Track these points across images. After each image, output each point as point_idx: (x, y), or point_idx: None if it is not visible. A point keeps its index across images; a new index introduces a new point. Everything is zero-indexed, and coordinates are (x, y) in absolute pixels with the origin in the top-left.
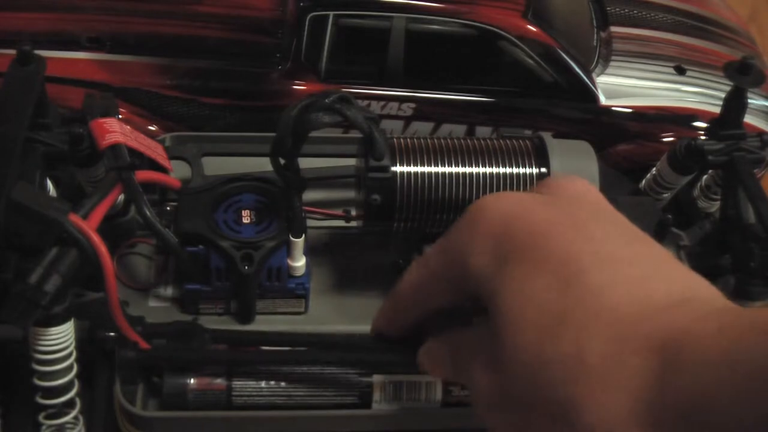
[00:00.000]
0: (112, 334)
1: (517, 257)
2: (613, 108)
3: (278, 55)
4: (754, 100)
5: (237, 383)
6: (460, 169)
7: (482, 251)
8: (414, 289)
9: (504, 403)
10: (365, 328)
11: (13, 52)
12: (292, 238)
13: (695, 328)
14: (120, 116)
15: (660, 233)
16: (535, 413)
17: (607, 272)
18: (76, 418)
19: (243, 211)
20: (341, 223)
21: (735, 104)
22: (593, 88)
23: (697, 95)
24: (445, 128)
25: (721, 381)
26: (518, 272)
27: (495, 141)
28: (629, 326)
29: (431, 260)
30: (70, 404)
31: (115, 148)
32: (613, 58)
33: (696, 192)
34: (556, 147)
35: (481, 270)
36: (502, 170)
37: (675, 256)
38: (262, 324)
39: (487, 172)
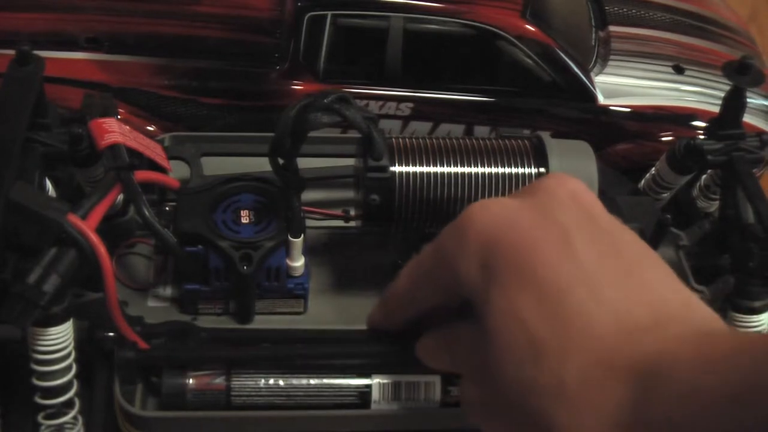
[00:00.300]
0: (111, 334)
1: (504, 273)
2: (612, 107)
3: (276, 55)
4: (754, 100)
5: (236, 383)
6: (459, 169)
7: (470, 262)
8: (409, 287)
9: (491, 410)
10: (364, 327)
11: (12, 52)
12: (290, 238)
13: (672, 351)
14: (119, 116)
15: (659, 233)
16: (518, 426)
17: (589, 295)
18: (75, 418)
19: (242, 211)
20: (340, 223)
21: (734, 104)
22: (592, 87)
23: (696, 94)
24: (444, 128)
25: (697, 404)
26: (504, 290)
27: (494, 141)
28: (607, 351)
29: (424, 262)
30: (69, 404)
31: (114, 148)
32: (612, 57)
33: (695, 192)
34: (555, 147)
35: (470, 280)
36: (501, 170)
37: (673, 256)
38: (261, 324)
39: (486, 172)
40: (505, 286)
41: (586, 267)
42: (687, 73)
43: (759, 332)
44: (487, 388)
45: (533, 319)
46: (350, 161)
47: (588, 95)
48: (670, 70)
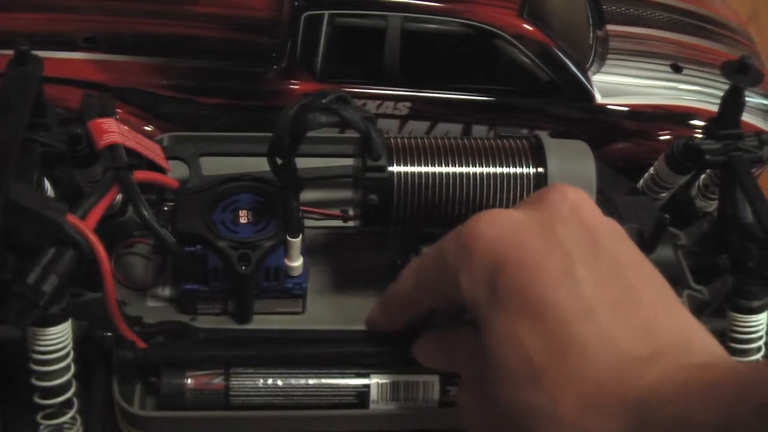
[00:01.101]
0: (109, 334)
1: (507, 297)
2: (610, 106)
3: (274, 54)
4: (752, 99)
5: (235, 383)
6: (457, 169)
7: (475, 277)
8: (409, 291)
9: (485, 422)
10: (363, 328)
11: (10, 52)
12: (289, 238)
13: (665, 383)
14: (117, 116)
15: (657, 233)
16: None
17: (587, 325)
18: (73, 417)
19: (240, 211)
20: (338, 223)
21: (732, 103)
22: (589, 86)
23: (694, 93)
24: (441, 127)
25: None
26: (507, 314)
27: (492, 140)
28: (602, 383)
29: (427, 267)
30: (67, 404)
31: (112, 148)
32: (610, 56)
33: (694, 191)
34: (553, 146)
35: (473, 294)
36: (499, 170)
37: (672, 255)
38: (259, 324)
39: (484, 172)
40: (507, 310)
41: (586, 295)
42: (685, 72)
43: (757, 360)
44: (483, 399)
45: (533, 345)
46: (349, 161)
47: (586, 94)
48: (669, 69)
